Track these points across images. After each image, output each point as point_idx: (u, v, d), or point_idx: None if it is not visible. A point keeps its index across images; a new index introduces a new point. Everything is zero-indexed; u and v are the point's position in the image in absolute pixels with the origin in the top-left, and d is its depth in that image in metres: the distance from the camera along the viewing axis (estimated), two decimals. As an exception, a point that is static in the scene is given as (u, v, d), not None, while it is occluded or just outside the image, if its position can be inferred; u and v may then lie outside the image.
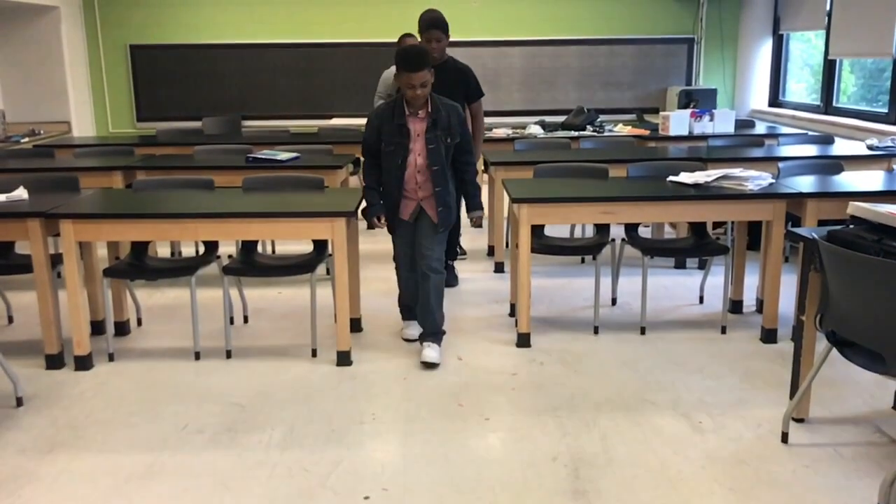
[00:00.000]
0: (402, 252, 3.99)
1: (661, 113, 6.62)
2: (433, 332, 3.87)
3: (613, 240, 4.46)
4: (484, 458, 2.94)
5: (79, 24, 8.17)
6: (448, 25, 4.57)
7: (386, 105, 3.77)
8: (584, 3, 8.35)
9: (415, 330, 4.05)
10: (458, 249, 5.38)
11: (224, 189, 4.37)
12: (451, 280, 4.96)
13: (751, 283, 4.68)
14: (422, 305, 3.87)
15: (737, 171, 4.07)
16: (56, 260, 3.86)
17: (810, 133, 6.42)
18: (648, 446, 3.01)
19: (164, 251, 5.69)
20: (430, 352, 3.79)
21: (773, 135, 6.43)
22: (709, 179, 4.03)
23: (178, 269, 4.13)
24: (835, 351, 2.85)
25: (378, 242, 6.18)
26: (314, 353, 3.95)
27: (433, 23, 4.51)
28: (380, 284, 5.07)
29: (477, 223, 3.92)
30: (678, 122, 6.40)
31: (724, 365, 3.77)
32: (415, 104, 3.65)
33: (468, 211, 3.94)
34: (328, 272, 5.08)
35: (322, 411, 3.33)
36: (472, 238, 5.99)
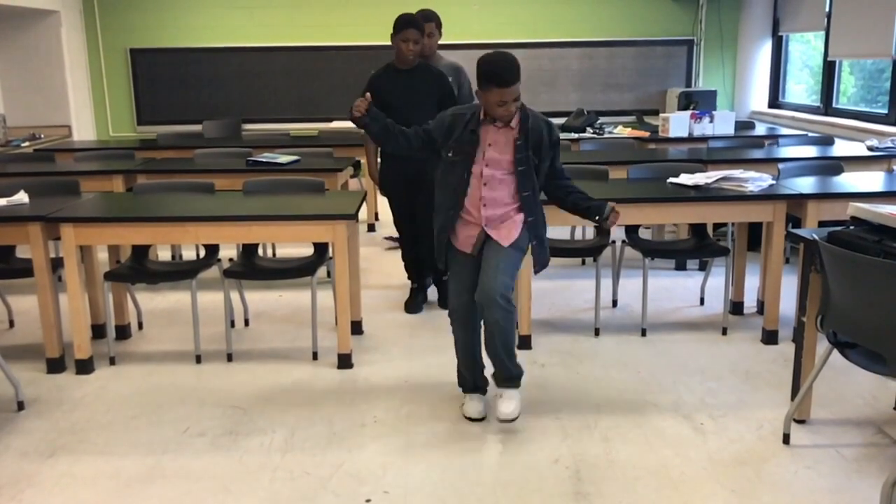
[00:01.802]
0: (459, 300, 3.16)
1: (661, 115, 6.63)
2: (508, 377, 3.17)
3: (614, 241, 4.46)
4: (485, 460, 2.94)
5: (79, 29, 8.18)
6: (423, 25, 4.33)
7: (466, 109, 3.13)
8: (584, 5, 8.35)
9: (478, 405, 3.26)
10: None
11: (225, 192, 4.37)
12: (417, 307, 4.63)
13: (751, 284, 4.67)
14: (490, 351, 3.15)
15: (737, 173, 4.07)
16: (57, 264, 3.86)
17: (810, 134, 6.42)
18: (650, 448, 3.00)
19: (164, 255, 5.69)
20: (506, 405, 3.10)
21: (772, 136, 6.43)
22: (709, 181, 4.03)
23: (179, 273, 4.13)
24: (836, 352, 2.85)
25: (378, 244, 6.18)
26: (315, 356, 3.95)
27: (411, 22, 4.23)
28: (381, 287, 5.07)
29: (614, 220, 3.15)
30: (678, 123, 6.40)
31: (726, 366, 3.77)
32: (505, 121, 3.02)
33: (601, 215, 3.15)
34: (329, 275, 5.08)
35: (323, 414, 3.33)
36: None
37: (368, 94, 3.14)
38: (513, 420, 3.11)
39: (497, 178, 3.05)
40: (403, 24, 4.22)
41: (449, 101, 4.30)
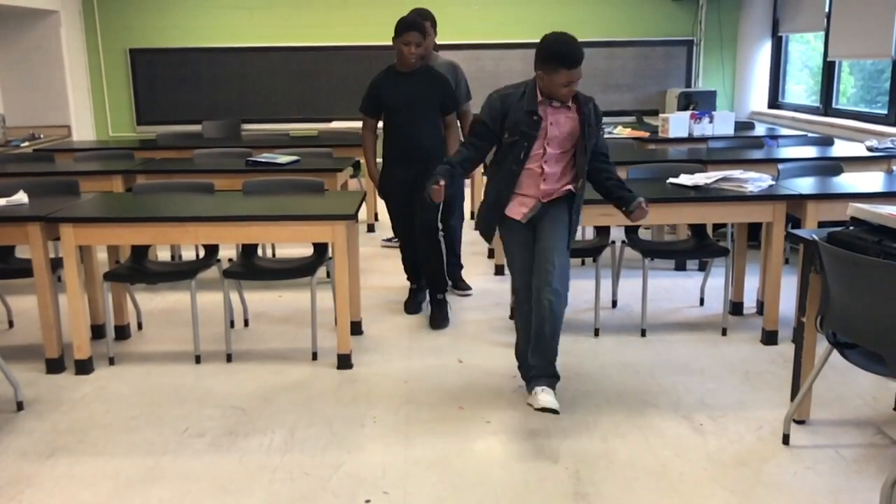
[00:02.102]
0: (523, 280, 3.19)
1: (661, 115, 6.62)
2: (550, 374, 3.18)
3: (613, 242, 4.46)
4: (485, 460, 2.94)
5: (79, 29, 8.18)
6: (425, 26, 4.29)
7: (514, 88, 3.17)
8: (584, 6, 8.35)
9: (552, 395, 3.10)
10: (461, 283, 4.92)
11: (224, 192, 4.37)
12: (442, 320, 4.34)
13: (751, 284, 4.68)
14: (537, 335, 3.15)
15: (737, 173, 4.07)
16: (56, 264, 3.86)
17: (810, 135, 6.43)
18: (649, 448, 3.00)
19: (164, 255, 5.69)
20: (548, 396, 3.06)
21: (772, 136, 6.43)
22: (709, 181, 4.03)
23: (179, 273, 4.13)
24: (835, 352, 2.85)
25: (377, 245, 6.18)
26: (315, 357, 3.95)
27: (413, 25, 4.19)
28: (380, 287, 5.07)
29: (640, 215, 3.22)
30: (678, 124, 6.40)
31: (725, 367, 3.77)
32: (567, 101, 3.10)
33: (630, 205, 3.23)
34: (328, 275, 5.08)
35: (323, 414, 3.32)
36: (472, 240, 5.99)
37: (442, 182, 3.13)
38: (557, 412, 3.03)
39: (556, 155, 3.16)
40: (405, 27, 4.18)
41: (451, 101, 4.37)
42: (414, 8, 4.65)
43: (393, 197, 4.46)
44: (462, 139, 4.04)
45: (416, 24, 4.20)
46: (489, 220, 3.29)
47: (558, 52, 2.97)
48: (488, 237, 3.35)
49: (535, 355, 3.19)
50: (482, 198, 3.36)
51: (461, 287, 4.90)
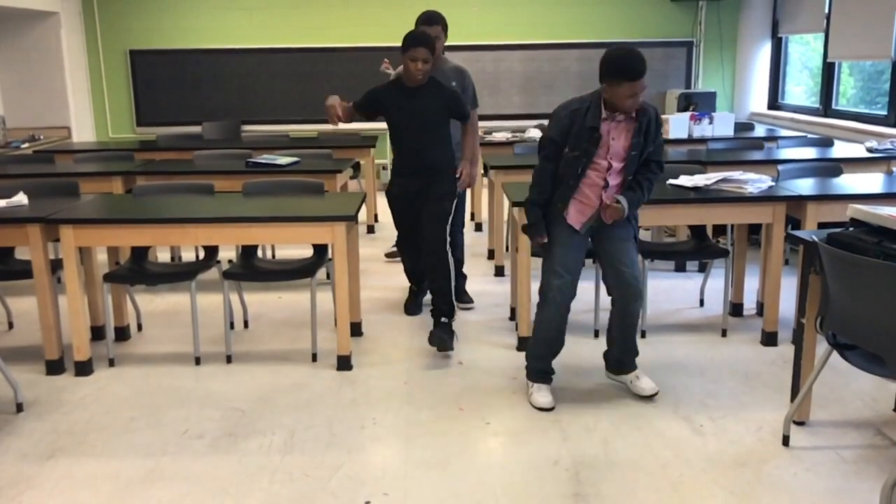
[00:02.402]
0: (562, 280, 3.28)
1: (661, 116, 6.62)
2: (633, 362, 3.50)
3: (613, 243, 4.45)
4: (485, 461, 2.94)
5: (79, 30, 8.18)
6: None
7: (580, 103, 3.21)
8: (583, 7, 8.36)
9: (550, 394, 3.38)
10: (464, 296, 4.74)
11: (224, 194, 4.38)
12: (446, 342, 3.91)
13: (751, 286, 4.68)
14: (624, 331, 3.40)
15: (736, 174, 4.07)
16: (56, 265, 3.86)
17: (810, 136, 6.43)
18: (649, 449, 3.00)
19: (164, 256, 5.69)
20: (646, 381, 3.43)
21: (772, 137, 6.43)
22: (708, 182, 4.03)
23: (179, 275, 4.13)
24: (835, 353, 2.85)
25: (377, 246, 6.18)
26: (314, 358, 3.95)
27: (421, 40, 3.92)
28: (380, 289, 5.07)
29: (606, 215, 3.28)
30: (678, 125, 6.40)
31: (725, 368, 3.77)
32: (631, 112, 3.18)
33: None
34: (328, 276, 5.08)
35: (322, 416, 3.32)
36: (472, 241, 5.99)
37: (544, 239, 3.32)
38: (657, 393, 3.40)
39: (617, 168, 3.24)
40: (413, 41, 3.89)
41: (456, 107, 4.13)
42: (425, 10, 4.44)
43: (398, 200, 4.28)
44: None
45: (425, 40, 3.91)
46: (539, 228, 3.32)
47: (622, 66, 3.07)
48: (539, 242, 3.36)
49: (627, 349, 3.47)
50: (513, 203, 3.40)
51: (464, 300, 4.73)
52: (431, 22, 4.36)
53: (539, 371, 3.45)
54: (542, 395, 3.37)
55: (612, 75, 3.08)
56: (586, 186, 3.25)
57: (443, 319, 4.01)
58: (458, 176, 4.23)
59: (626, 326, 3.41)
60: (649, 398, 3.40)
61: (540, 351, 3.43)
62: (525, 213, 3.39)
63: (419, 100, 4.04)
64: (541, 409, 3.32)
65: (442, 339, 3.89)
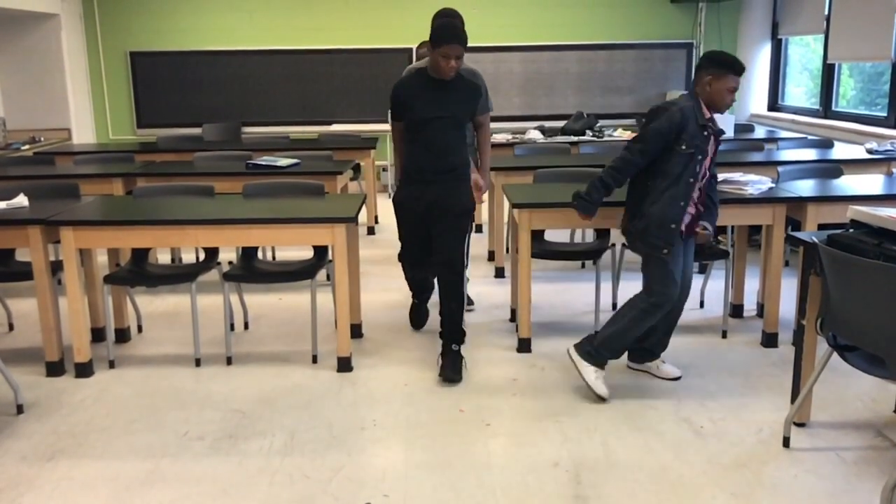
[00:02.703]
0: (675, 289, 3.45)
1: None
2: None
3: (614, 244, 4.45)
4: (485, 463, 2.94)
5: (79, 32, 8.19)
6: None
7: (689, 101, 3.32)
8: (584, 9, 8.37)
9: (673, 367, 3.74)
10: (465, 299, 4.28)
11: (224, 195, 4.37)
12: (455, 374, 3.68)
13: (751, 287, 4.68)
14: (670, 323, 3.67)
15: (736, 176, 4.07)
16: (56, 267, 3.86)
17: (810, 137, 6.43)
18: (649, 451, 3.00)
19: (164, 258, 5.69)
20: (672, 366, 3.71)
21: (772, 139, 6.44)
22: (708, 184, 4.03)
23: (179, 276, 4.13)
24: (836, 355, 2.85)
25: (378, 247, 6.18)
26: (315, 360, 3.95)
27: (458, 36, 3.66)
28: (380, 290, 5.07)
29: (702, 240, 3.57)
30: (678, 126, 6.38)
31: (725, 369, 3.77)
32: (726, 109, 3.38)
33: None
34: (328, 278, 5.09)
35: (323, 417, 3.32)
36: (472, 242, 5.98)
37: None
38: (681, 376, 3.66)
39: (706, 172, 3.41)
40: (449, 36, 3.57)
41: (482, 104, 3.96)
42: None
43: (408, 212, 3.85)
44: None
45: (461, 36, 3.63)
46: (672, 234, 3.34)
47: (729, 59, 3.26)
48: (669, 250, 3.36)
49: (665, 340, 3.69)
50: (642, 210, 3.39)
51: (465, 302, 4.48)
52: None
53: (605, 360, 3.51)
54: (603, 383, 3.45)
55: (721, 66, 3.25)
56: (694, 191, 3.36)
57: (453, 347, 3.74)
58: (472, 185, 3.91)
59: (674, 319, 3.63)
60: (674, 380, 3.63)
61: (623, 345, 3.51)
62: (590, 188, 3.45)
63: (447, 92, 3.70)
64: (600, 399, 3.42)
65: (451, 378, 3.66)
